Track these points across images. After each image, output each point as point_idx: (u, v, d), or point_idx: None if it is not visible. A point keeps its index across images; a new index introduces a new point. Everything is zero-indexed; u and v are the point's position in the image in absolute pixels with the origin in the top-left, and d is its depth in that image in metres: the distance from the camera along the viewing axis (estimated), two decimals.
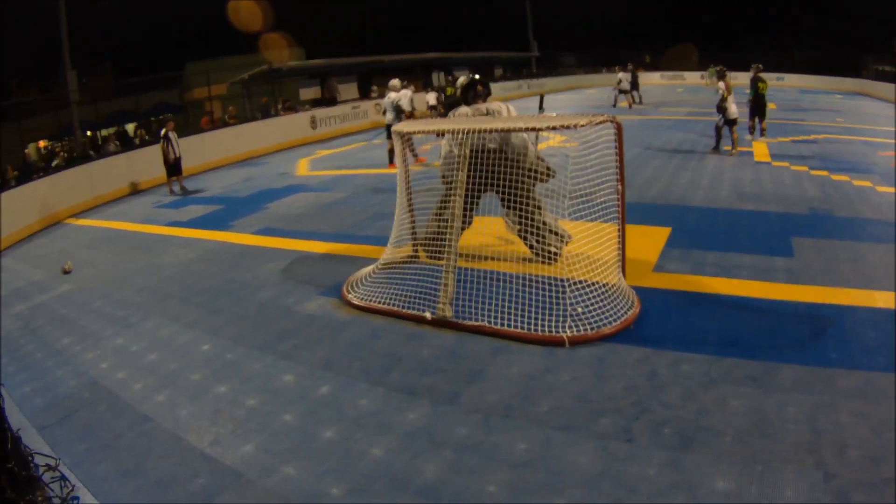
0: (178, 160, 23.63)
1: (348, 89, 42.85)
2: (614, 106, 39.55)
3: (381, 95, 38.39)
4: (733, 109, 20.49)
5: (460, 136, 9.31)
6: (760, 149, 21.23)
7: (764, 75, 23.40)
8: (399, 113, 22.53)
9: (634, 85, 42.05)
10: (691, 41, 75.46)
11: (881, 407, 6.02)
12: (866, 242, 11.05)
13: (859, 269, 9.75)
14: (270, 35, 63.66)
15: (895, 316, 7.99)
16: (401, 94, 23.02)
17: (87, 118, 34.36)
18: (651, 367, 7.12)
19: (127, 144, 30.35)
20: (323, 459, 5.99)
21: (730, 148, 20.68)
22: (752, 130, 23.43)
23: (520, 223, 10.20)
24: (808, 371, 6.79)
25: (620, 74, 41.24)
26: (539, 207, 10.06)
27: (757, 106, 23.25)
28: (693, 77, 68.54)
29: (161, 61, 53.18)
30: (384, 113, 23.65)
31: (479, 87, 11.48)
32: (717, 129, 20.88)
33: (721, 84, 20.96)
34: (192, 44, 58.92)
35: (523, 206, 9.71)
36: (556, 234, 10.04)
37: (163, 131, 23.81)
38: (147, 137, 31.67)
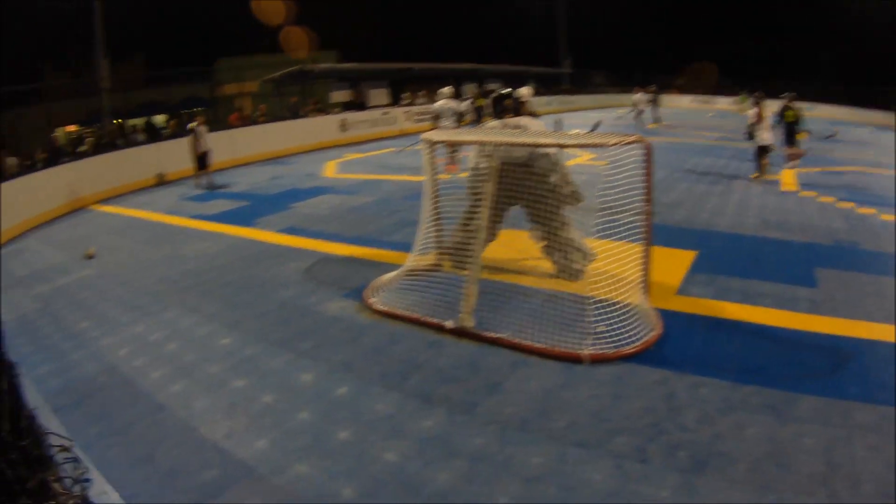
0: (205, 155, 23.73)
1: (379, 95, 42.82)
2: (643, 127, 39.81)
3: (412, 103, 38.67)
4: (764, 136, 20.64)
5: (489, 148, 9.32)
6: (788, 178, 21.17)
7: (797, 104, 23.63)
8: (460, 118, 24.09)
9: (656, 105, 43.58)
10: (725, 66, 75.62)
11: None
12: (890, 277, 10.98)
13: (882, 304, 9.69)
14: (296, 29, 63.99)
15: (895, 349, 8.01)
16: (456, 102, 24.71)
17: (116, 106, 34.46)
18: (669, 390, 7.11)
19: (154, 135, 30.45)
20: (336, 460, 6.01)
21: (756, 175, 20.87)
22: (787, 158, 23.38)
23: (545, 238, 10.21)
24: (827, 403, 6.77)
25: (637, 96, 42.01)
26: (565, 224, 10.06)
27: (786, 133, 23.30)
28: (724, 102, 68.49)
29: (193, 55, 53.41)
30: (435, 119, 24.00)
31: (509, 102, 11.47)
32: (756, 156, 20.99)
33: (752, 110, 21.20)
34: (225, 39, 59.20)
35: (549, 222, 9.73)
36: (581, 251, 10.04)
37: (192, 125, 23.97)
38: (178, 129, 31.81)
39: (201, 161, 23.81)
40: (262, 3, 61.57)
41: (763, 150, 20.70)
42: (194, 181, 23.93)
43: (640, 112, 41.33)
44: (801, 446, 5.97)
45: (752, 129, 21.18)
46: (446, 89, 24.81)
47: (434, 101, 24.80)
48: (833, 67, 69.21)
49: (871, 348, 8.14)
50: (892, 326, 8.79)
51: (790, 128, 23.31)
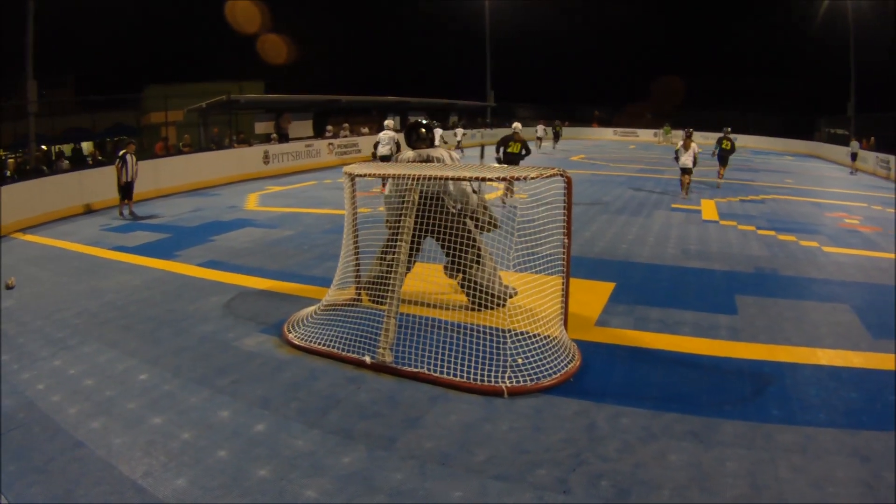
0: (129, 184, 23.20)
1: (303, 127, 42.93)
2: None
3: (335, 135, 39.33)
4: (682, 160, 25.42)
5: (409, 181, 9.33)
6: (708, 207, 21.63)
7: (732, 135, 31.54)
8: (398, 146, 26.49)
9: (556, 137, 53.65)
10: (652, 99, 77.25)
11: (821, 462, 6.16)
12: (810, 301, 11.40)
13: (802, 328, 10.01)
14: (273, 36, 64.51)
15: None
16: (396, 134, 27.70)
17: (43, 132, 33.93)
18: (590, 420, 7.15)
19: (79, 163, 30.02)
20: (256, 498, 5.90)
21: (683, 195, 24.52)
22: (719, 176, 30.74)
23: (460, 272, 10.26)
24: (749, 426, 6.91)
25: (539, 128, 50.70)
26: (481, 256, 10.14)
27: (720, 157, 30.77)
28: (646, 134, 70.05)
29: (123, 81, 52.94)
30: (376, 147, 27.24)
31: (422, 131, 11.47)
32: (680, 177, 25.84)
33: (681, 141, 26.15)
34: (154, 66, 58.83)
35: (464, 255, 9.84)
36: (498, 283, 10.12)
37: (121, 152, 23.44)
38: (101, 157, 31.37)
39: (124, 190, 23.23)
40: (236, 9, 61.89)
41: (684, 171, 25.48)
42: (117, 210, 23.42)
43: (539, 138, 48.66)
44: (725, 470, 6.06)
45: (678, 154, 25.84)
46: (390, 121, 28.58)
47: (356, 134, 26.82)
48: (764, 98, 71.22)
49: (792, 371, 8.41)
50: (813, 349, 9.17)
51: (725, 153, 30.56)
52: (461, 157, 12.99)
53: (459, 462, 6.38)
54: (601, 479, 5.97)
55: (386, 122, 28.36)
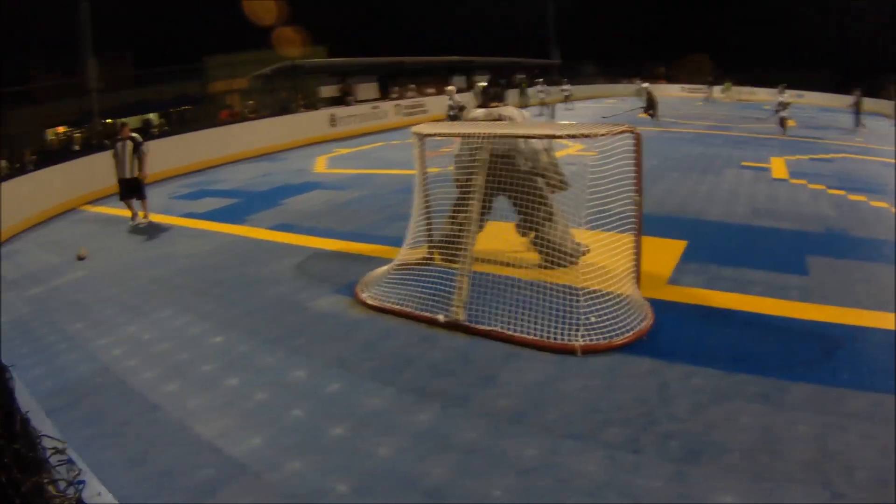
0: (128, 182, 17.45)
1: (368, 89, 42.87)
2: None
3: (401, 97, 39.76)
4: (783, 113, 32.54)
5: (479, 140, 9.30)
6: (778, 165, 21.25)
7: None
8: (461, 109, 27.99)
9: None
10: (708, 54, 76.38)
11: (890, 429, 5.99)
12: (881, 263, 11.03)
13: (872, 291, 9.71)
14: (286, 30, 64.10)
15: None
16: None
17: (107, 106, 34.27)
18: (661, 380, 7.11)
19: (144, 135, 30.37)
20: (330, 456, 5.98)
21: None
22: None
23: (532, 230, 10.21)
24: (819, 390, 6.77)
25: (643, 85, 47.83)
26: (552, 214, 10.05)
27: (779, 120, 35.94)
28: (714, 91, 68.94)
29: (181, 53, 53.29)
30: (461, 109, 28.13)
31: (498, 90, 11.46)
32: (781, 121, 32.57)
33: (784, 95, 33.38)
34: (212, 37, 59.08)
35: (535, 214, 9.75)
36: (569, 242, 10.04)
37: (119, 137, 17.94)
38: (167, 128, 31.61)
39: (126, 188, 17.49)
40: (253, 4, 61.59)
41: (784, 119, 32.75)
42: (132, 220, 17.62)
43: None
44: (795, 434, 5.96)
45: (779, 107, 33.09)
46: (452, 87, 30.52)
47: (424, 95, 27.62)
48: (825, 55, 69.74)
49: (863, 335, 8.16)
50: (883, 313, 8.81)
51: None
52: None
53: (532, 420, 6.40)
54: (671, 440, 5.95)
55: (450, 88, 29.85)
